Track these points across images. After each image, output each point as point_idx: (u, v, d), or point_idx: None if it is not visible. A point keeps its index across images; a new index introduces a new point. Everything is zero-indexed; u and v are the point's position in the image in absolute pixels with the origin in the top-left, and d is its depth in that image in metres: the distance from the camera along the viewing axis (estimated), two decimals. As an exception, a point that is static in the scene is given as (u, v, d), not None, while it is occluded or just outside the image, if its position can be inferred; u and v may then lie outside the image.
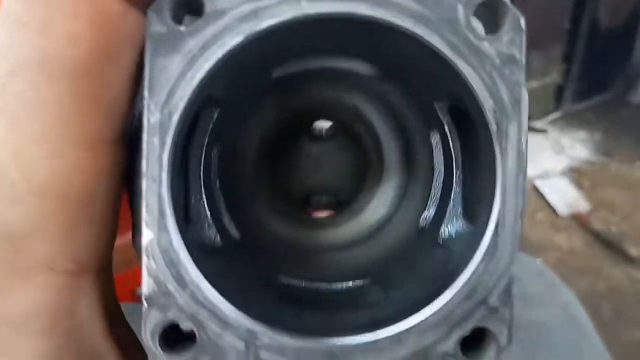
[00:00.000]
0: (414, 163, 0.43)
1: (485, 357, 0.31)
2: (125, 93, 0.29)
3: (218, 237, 0.37)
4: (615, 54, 3.56)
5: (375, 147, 0.45)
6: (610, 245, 2.70)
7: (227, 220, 0.40)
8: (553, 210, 2.88)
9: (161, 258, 0.29)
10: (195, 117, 0.36)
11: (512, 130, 0.30)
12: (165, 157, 0.29)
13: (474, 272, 0.30)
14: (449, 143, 0.38)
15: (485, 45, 0.30)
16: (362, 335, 0.30)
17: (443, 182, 0.40)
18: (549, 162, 3.17)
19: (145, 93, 0.29)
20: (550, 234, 2.77)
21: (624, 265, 2.62)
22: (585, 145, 3.37)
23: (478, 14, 0.30)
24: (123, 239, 0.35)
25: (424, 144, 0.41)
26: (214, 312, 0.29)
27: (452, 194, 0.38)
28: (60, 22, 0.27)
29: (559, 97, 3.51)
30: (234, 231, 0.40)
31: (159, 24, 0.29)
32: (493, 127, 0.30)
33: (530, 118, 0.35)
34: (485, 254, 0.30)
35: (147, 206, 0.29)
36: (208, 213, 0.37)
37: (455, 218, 0.38)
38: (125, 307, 0.36)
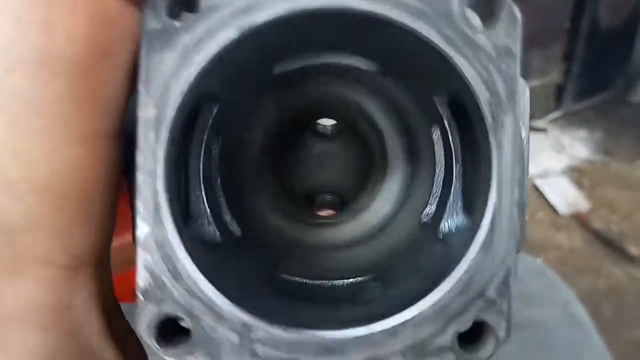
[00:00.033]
0: (417, 160, 0.43)
1: (484, 350, 0.31)
2: (123, 89, 0.30)
3: (217, 233, 0.37)
4: (616, 54, 3.56)
5: (379, 145, 0.45)
6: (610, 244, 2.70)
7: (228, 217, 0.40)
8: (553, 210, 2.88)
9: (157, 251, 0.29)
10: (195, 113, 0.36)
11: (508, 122, 0.30)
12: (161, 151, 0.29)
13: (470, 265, 0.30)
14: (448, 138, 0.38)
15: (481, 38, 0.30)
16: (356, 328, 0.30)
17: (444, 177, 0.40)
18: (549, 161, 3.17)
19: (141, 88, 0.29)
20: (551, 233, 2.77)
21: (624, 264, 2.62)
22: (585, 144, 3.36)
23: (473, 7, 0.30)
24: (123, 239, 0.35)
25: (427, 140, 0.41)
26: (209, 305, 0.29)
27: (452, 189, 0.38)
28: (59, 20, 0.27)
29: (559, 96, 3.51)
30: (234, 228, 0.40)
31: (154, 20, 0.29)
32: (489, 120, 0.30)
33: (530, 117, 0.35)
34: (482, 246, 0.30)
35: (142, 200, 0.29)
36: (207, 209, 0.37)
37: (455, 213, 0.38)
38: (125, 306, 0.37)
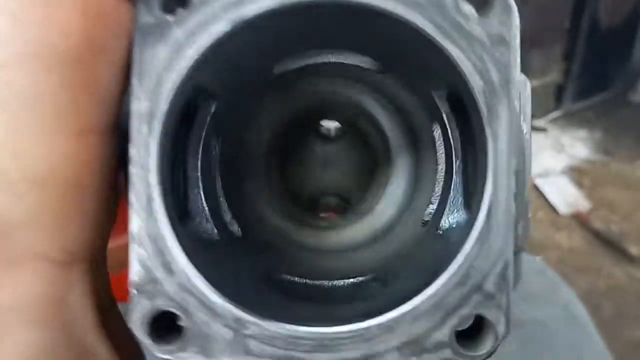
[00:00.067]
0: (420, 159, 0.43)
1: (483, 347, 0.30)
2: (118, 85, 0.30)
3: (216, 232, 0.37)
4: (616, 53, 3.55)
5: (383, 145, 0.45)
6: (610, 244, 2.70)
7: (228, 217, 0.40)
8: (553, 209, 2.88)
9: (150, 245, 0.29)
10: (193, 110, 0.36)
11: (503, 111, 0.30)
12: (154, 144, 0.29)
13: (466, 257, 0.29)
14: (448, 134, 0.38)
15: (475, 28, 0.29)
16: (352, 324, 0.29)
17: (445, 174, 0.40)
18: (550, 161, 3.16)
19: (134, 81, 0.29)
20: (551, 232, 2.77)
21: (624, 264, 2.62)
22: (585, 144, 3.36)
23: None
24: (120, 240, 0.35)
25: (429, 138, 0.41)
26: (202, 300, 0.29)
27: (452, 185, 0.38)
28: (54, 15, 0.27)
29: (559, 96, 3.51)
30: (235, 228, 0.40)
31: (147, 15, 0.29)
32: (483, 110, 0.29)
33: (531, 116, 0.35)
34: (478, 238, 0.30)
35: (135, 193, 0.29)
36: (206, 208, 0.37)
37: (456, 209, 0.38)
38: (124, 307, 0.36)
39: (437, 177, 0.40)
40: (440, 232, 0.38)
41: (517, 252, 0.45)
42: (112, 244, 0.33)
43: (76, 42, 0.28)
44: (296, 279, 0.39)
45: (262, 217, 0.44)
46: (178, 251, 0.29)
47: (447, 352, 0.30)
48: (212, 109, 0.37)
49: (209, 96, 0.36)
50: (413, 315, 0.29)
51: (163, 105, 0.29)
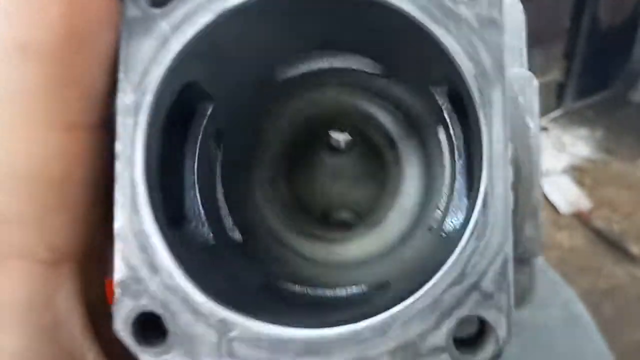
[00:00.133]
0: (430, 165, 0.42)
1: (483, 352, 0.28)
2: (104, 78, 0.29)
3: (211, 236, 0.37)
4: (616, 52, 3.55)
5: (393, 155, 0.44)
6: (611, 243, 2.69)
7: (228, 223, 0.39)
8: (554, 209, 2.87)
9: (134, 242, 0.28)
10: (189, 111, 0.36)
11: (496, 95, 0.28)
12: (139, 138, 0.28)
13: (462, 253, 0.28)
14: (450, 132, 0.37)
15: (462, 9, 0.28)
16: (342, 326, 0.28)
17: (450, 176, 0.39)
18: (550, 160, 3.16)
19: (120, 74, 0.29)
20: (552, 232, 2.76)
21: (625, 263, 2.61)
22: (586, 143, 3.36)
23: None
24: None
25: (435, 142, 0.40)
26: (185, 300, 0.28)
27: (456, 186, 0.37)
28: (36, 7, 0.27)
29: (560, 95, 3.50)
30: (235, 235, 0.39)
31: (134, 8, 0.29)
32: (476, 96, 0.28)
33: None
34: (474, 231, 0.28)
35: (120, 188, 0.28)
36: (202, 212, 0.37)
37: (460, 210, 0.36)
38: None
39: (444, 181, 0.39)
40: (444, 234, 0.36)
41: (528, 258, 0.44)
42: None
43: (62, 36, 0.27)
44: (297, 287, 0.38)
45: (266, 225, 0.43)
46: (162, 249, 0.28)
47: (445, 358, 0.28)
48: (209, 111, 0.36)
49: (205, 97, 0.36)
50: (406, 317, 0.28)
51: (149, 98, 0.29)
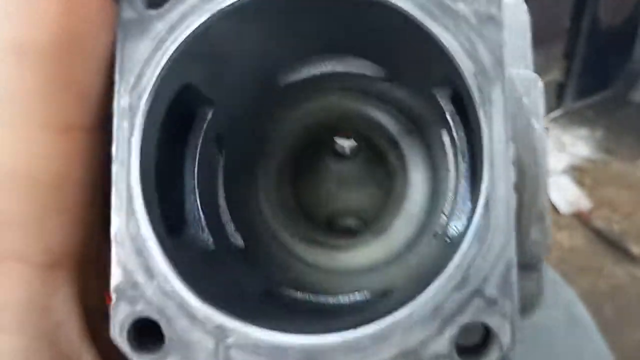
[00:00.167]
0: (435, 170, 0.41)
1: (487, 359, 0.27)
2: (101, 79, 0.29)
3: (211, 241, 0.36)
4: (616, 52, 3.55)
5: (399, 160, 0.43)
6: (612, 243, 2.69)
7: (230, 228, 0.39)
8: (554, 209, 2.87)
9: (130, 246, 0.28)
10: (189, 116, 0.35)
11: (496, 93, 0.28)
12: (135, 141, 0.28)
13: (464, 257, 0.27)
14: (453, 134, 0.36)
15: (461, 6, 0.28)
16: (342, 332, 0.27)
17: (454, 180, 0.38)
18: (551, 160, 3.15)
19: (116, 77, 0.28)
20: (552, 232, 2.76)
21: (625, 263, 2.61)
22: (586, 143, 3.35)
23: None
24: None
25: (440, 146, 0.39)
26: (181, 304, 0.28)
27: (459, 189, 0.36)
28: (33, 7, 0.27)
29: (560, 95, 3.50)
30: (237, 240, 0.39)
31: (129, 10, 0.29)
32: (476, 95, 0.27)
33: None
34: (476, 235, 0.27)
35: (116, 192, 0.28)
36: (202, 217, 0.36)
37: (464, 214, 0.36)
38: None
39: (449, 185, 0.38)
40: (448, 240, 0.36)
41: (535, 264, 0.43)
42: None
43: (59, 37, 0.27)
44: (298, 294, 0.38)
45: (269, 231, 0.43)
46: (158, 254, 0.28)
47: None
48: (209, 116, 0.36)
49: (205, 101, 0.35)
50: (407, 323, 0.27)
51: (145, 100, 0.28)
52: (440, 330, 0.27)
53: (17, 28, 0.27)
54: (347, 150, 0.46)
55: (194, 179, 0.36)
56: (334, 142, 0.46)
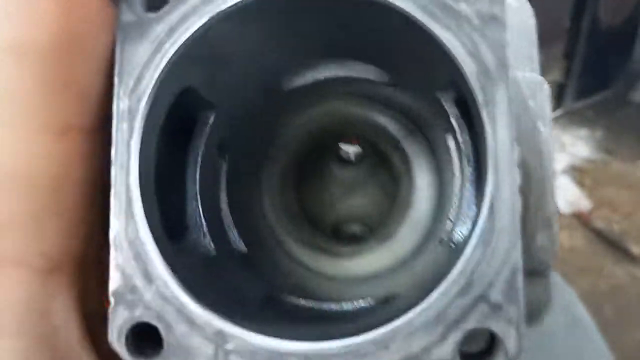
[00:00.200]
0: (441, 175, 0.41)
1: None
2: (101, 81, 0.29)
3: (213, 246, 0.36)
4: (616, 52, 3.54)
5: (404, 166, 0.43)
6: (612, 243, 2.69)
7: (233, 234, 0.39)
8: (554, 209, 2.86)
9: (128, 250, 0.28)
10: (191, 120, 0.35)
11: (500, 94, 0.27)
12: (135, 143, 0.28)
13: (468, 262, 0.26)
14: (458, 139, 0.36)
15: (463, 6, 0.27)
16: (342, 339, 0.27)
17: (460, 184, 0.38)
18: (550, 160, 3.15)
19: (115, 79, 0.28)
20: (553, 233, 2.76)
21: (626, 263, 2.60)
22: (586, 143, 3.35)
23: None
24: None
25: (445, 150, 0.39)
26: (180, 310, 0.27)
27: (465, 194, 0.36)
28: (34, 8, 0.26)
29: (560, 95, 3.49)
30: (240, 246, 0.39)
31: (129, 13, 0.29)
32: (479, 96, 0.27)
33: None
34: (480, 240, 0.26)
35: (115, 195, 0.28)
36: (204, 222, 0.36)
37: (469, 219, 0.35)
38: None
39: (454, 190, 0.38)
40: (453, 245, 0.35)
41: (543, 270, 0.43)
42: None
43: (58, 37, 0.27)
44: (301, 300, 0.38)
45: (273, 237, 0.42)
46: (157, 258, 0.28)
47: None
48: (211, 120, 0.36)
49: (206, 105, 0.35)
50: (409, 329, 0.26)
51: (144, 103, 0.28)
52: (443, 337, 0.26)
53: (17, 28, 0.27)
54: (352, 156, 0.46)
55: (195, 184, 0.36)
56: (339, 148, 0.46)
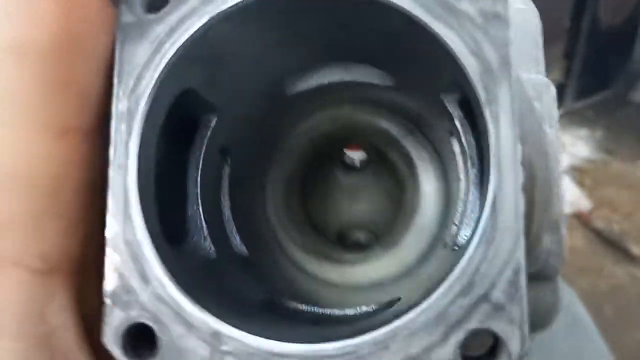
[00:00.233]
0: (447, 181, 0.41)
1: None
2: (100, 81, 0.29)
3: (213, 249, 0.36)
4: (617, 52, 3.54)
5: (410, 171, 0.43)
6: (612, 243, 2.69)
7: (235, 239, 0.39)
8: (554, 209, 2.86)
9: (125, 251, 0.28)
10: (192, 122, 0.35)
11: (503, 92, 0.26)
12: (133, 144, 0.28)
13: (470, 261, 0.26)
14: (462, 141, 0.36)
15: (465, 5, 0.27)
16: (342, 341, 0.26)
17: (465, 188, 0.37)
18: (550, 160, 3.15)
19: (114, 80, 0.28)
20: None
21: (625, 263, 2.60)
22: (586, 143, 3.35)
23: None
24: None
25: (451, 156, 0.38)
26: (176, 310, 0.27)
27: (469, 197, 0.35)
28: (33, 8, 0.26)
29: (560, 95, 3.48)
30: (241, 250, 0.39)
31: (128, 14, 0.28)
32: (481, 93, 0.26)
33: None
34: (482, 239, 0.26)
35: (112, 196, 0.28)
36: (204, 225, 0.36)
37: (472, 222, 0.35)
38: None
39: (460, 194, 0.37)
40: (457, 248, 0.35)
41: (551, 275, 0.42)
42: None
43: (58, 38, 0.27)
44: (303, 306, 0.38)
45: (276, 243, 0.42)
46: (154, 258, 0.27)
47: None
48: (213, 123, 0.36)
49: (208, 108, 0.35)
50: (409, 330, 0.26)
51: (143, 104, 0.28)
52: (444, 337, 0.26)
53: (17, 28, 0.27)
54: (357, 162, 0.45)
55: (197, 187, 0.36)
56: (344, 154, 0.45)
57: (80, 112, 0.28)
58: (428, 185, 0.42)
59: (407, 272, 0.41)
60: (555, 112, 0.40)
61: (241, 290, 0.36)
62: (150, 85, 0.28)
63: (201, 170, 0.36)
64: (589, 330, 0.95)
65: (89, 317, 0.32)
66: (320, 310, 0.37)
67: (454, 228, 0.37)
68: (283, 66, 0.37)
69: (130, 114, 0.28)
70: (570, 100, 3.52)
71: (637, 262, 2.60)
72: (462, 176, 0.37)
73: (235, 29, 0.30)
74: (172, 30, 0.28)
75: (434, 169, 0.42)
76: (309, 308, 0.38)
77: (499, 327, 0.26)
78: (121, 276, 0.28)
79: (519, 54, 0.48)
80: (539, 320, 0.44)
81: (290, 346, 0.26)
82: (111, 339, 0.28)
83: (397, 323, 0.26)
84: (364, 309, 0.37)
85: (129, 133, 0.28)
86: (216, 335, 0.27)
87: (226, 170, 0.39)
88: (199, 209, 0.36)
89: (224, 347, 0.27)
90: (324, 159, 0.45)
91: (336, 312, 0.37)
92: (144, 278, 0.27)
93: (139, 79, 0.28)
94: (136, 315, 0.27)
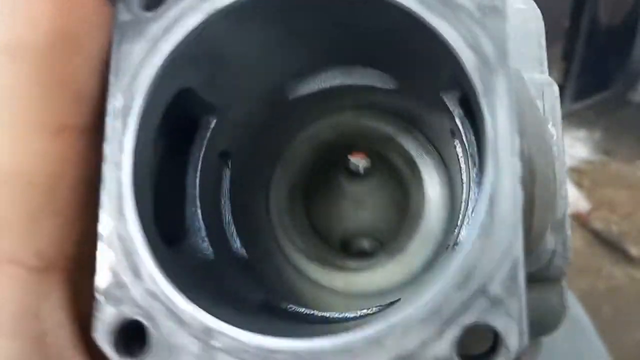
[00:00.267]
0: (451, 185, 0.40)
1: None
2: (96, 80, 0.29)
3: (211, 251, 0.36)
4: (616, 53, 3.55)
5: (415, 177, 0.42)
6: (610, 244, 2.69)
7: (236, 243, 0.38)
8: (553, 210, 2.87)
9: (118, 246, 0.27)
10: (190, 123, 0.35)
11: (500, 84, 0.26)
12: (128, 141, 0.28)
13: (467, 255, 0.25)
14: (463, 140, 0.35)
15: None
16: (334, 336, 0.25)
17: (467, 189, 0.37)
18: (549, 161, 3.15)
19: (110, 78, 0.28)
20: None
21: (624, 264, 2.61)
22: (585, 144, 3.36)
23: None
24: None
25: (454, 159, 0.38)
26: (168, 306, 0.27)
27: (471, 196, 0.35)
28: (26, 7, 0.26)
29: (559, 95, 3.50)
30: (240, 253, 0.38)
31: (125, 12, 0.28)
32: (478, 86, 0.26)
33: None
34: (480, 231, 0.25)
35: (106, 192, 0.28)
36: (202, 227, 0.36)
37: (474, 221, 0.35)
38: None
39: (463, 196, 0.37)
40: (456, 246, 0.35)
41: (556, 277, 0.42)
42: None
43: (53, 37, 0.27)
44: (303, 309, 0.37)
45: (279, 250, 0.42)
46: (146, 254, 0.27)
47: None
48: (212, 124, 0.36)
49: (208, 108, 0.35)
50: (404, 325, 0.25)
51: (138, 102, 0.28)
52: (440, 333, 0.25)
53: (12, 28, 0.26)
54: (361, 169, 0.45)
55: (195, 188, 0.36)
56: (348, 160, 0.45)
57: (76, 110, 0.28)
58: (433, 191, 0.42)
59: (413, 279, 0.40)
60: (558, 111, 0.40)
61: (239, 292, 0.36)
62: (147, 83, 0.28)
63: (200, 172, 0.36)
64: (587, 330, 0.95)
65: (84, 315, 0.32)
66: (320, 313, 0.37)
67: (457, 230, 0.37)
68: (283, 68, 0.37)
69: (125, 110, 0.28)
70: (569, 101, 3.52)
71: (635, 263, 2.60)
72: (464, 178, 0.37)
73: (231, 27, 0.29)
74: (168, 28, 0.28)
75: (439, 174, 0.42)
76: (308, 311, 0.37)
77: (497, 321, 0.25)
78: (113, 272, 0.27)
79: (521, 54, 0.48)
80: (545, 323, 0.43)
81: (282, 342, 0.26)
82: (102, 335, 0.27)
83: (392, 318, 0.25)
84: (365, 311, 0.37)
85: (124, 130, 0.28)
86: (207, 331, 0.27)
87: (227, 174, 0.38)
88: (197, 210, 0.36)
89: (215, 343, 0.26)
90: (327, 166, 0.44)
91: (336, 315, 0.37)
92: (137, 274, 0.27)
93: (135, 77, 0.28)
94: (128, 312, 0.27)
